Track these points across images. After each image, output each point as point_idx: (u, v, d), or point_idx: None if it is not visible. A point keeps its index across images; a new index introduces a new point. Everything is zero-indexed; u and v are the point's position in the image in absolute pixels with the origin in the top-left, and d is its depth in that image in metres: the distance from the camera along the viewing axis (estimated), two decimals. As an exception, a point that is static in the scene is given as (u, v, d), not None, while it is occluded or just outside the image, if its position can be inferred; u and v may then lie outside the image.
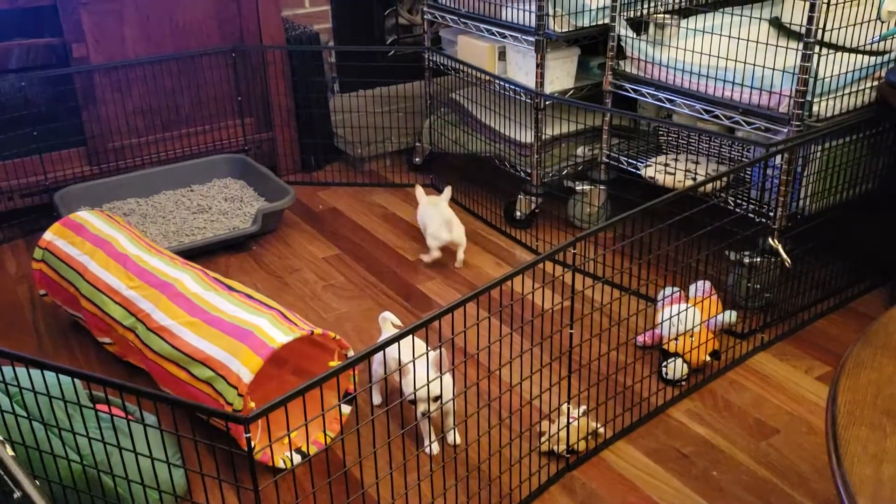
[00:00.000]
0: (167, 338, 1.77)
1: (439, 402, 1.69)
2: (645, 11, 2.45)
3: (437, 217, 2.52)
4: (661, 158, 2.50)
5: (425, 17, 2.98)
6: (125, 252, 2.01)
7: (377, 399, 1.94)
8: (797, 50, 2.00)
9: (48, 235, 2.15)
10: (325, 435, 1.80)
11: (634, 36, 2.41)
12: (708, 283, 2.11)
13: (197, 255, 2.60)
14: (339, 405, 1.81)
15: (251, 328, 1.69)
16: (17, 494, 1.10)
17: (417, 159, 3.21)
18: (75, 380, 1.54)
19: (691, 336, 1.99)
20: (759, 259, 2.18)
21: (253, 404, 1.70)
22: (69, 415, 1.52)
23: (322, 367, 1.81)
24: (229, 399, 1.62)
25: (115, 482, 1.50)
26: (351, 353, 1.77)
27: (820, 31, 1.94)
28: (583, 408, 1.84)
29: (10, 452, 1.15)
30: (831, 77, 2.03)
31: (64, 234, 2.13)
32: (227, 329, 1.70)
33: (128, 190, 2.89)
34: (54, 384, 1.55)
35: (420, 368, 1.61)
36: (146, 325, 1.82)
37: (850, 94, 2.09)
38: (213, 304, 1.78)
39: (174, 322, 1.77)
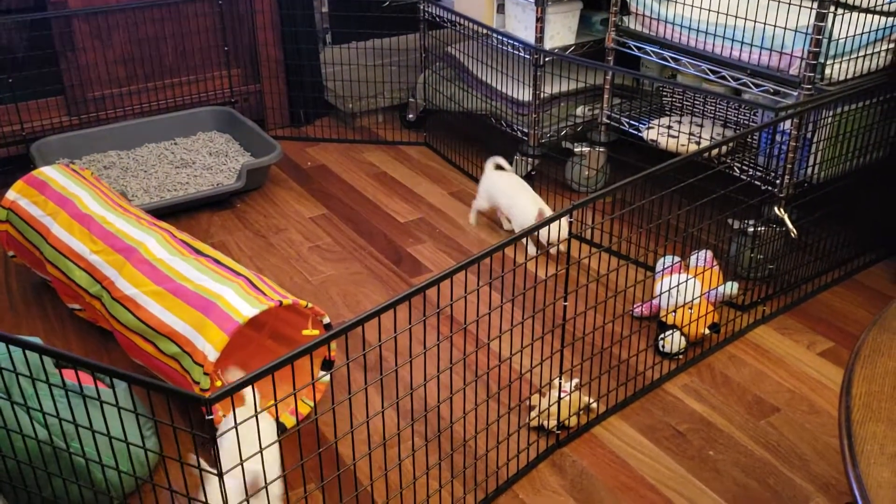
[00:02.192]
0: (132, 308, 1.68)
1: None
2: (652, -36, 2.33)
3: (523, 193, 2.34)
4: (665, 120, 2.40)
5: (421, -35, 2.84)
6: (89, 212, 1.91)
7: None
8: (811, 8, 1.89)
9: (11, 194, 2.04)
10: (302, 402, 1.73)
11: (640, -10, 2.29)
12: (709, 253, 2.02)
13: (179, 211, 2.50)
14: (313, 379, 1.73)
15: (216, 299, 1.59)
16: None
17: (411, 116, 3.10)
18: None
19: (690, 308, 1.91)
20: (763, 228, 2.09)
21: (220, 382, 1.62)
22: (33, 380, 1.43)
23: (298, 331, 1.73)
24: (195, 377, 1.54)
25: (86, 455, 1.42)
26: (326, 320, 1.68)
27: (837, -11, 1.83)
28: (575, 381, 1.76)
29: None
30: (846, 38, 1.92)
31: (27, 193, 2.02)
32: (192, 300, 1.61)
33: (108, 142, 2.78)
34: (17, 350, 1.47)
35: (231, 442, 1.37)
36: (111, 294, 1.73)
37: (864, 56, 1.99)
38: (179, 272, 1.69)
39: (138, 291, 1.68)
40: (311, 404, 1.74)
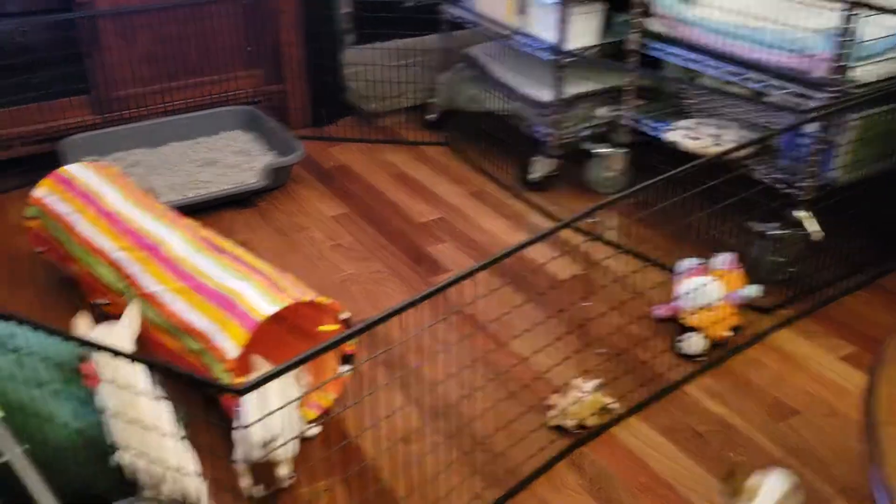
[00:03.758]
0: (155, 305, 1.70)
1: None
2: (675, -34, 2.32)
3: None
4: (686, 123, 2.40)
5: (444, -33, 2.85)
6: (114, 209, 1.93)
7: None
8: (838, 10, 1.88)
9: (38, 191, 2.06)
10: (324, 396, 1.74)
11: (663, -8, 2.29)
12: (731, 256, 2.02)
13: (202, 209, 2.52)
14: (335, 374, 1.75)
15: (235, 297, 1.61)
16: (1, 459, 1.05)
17: (432, 116, 3.11)
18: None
19: (711, 310, 1.90)
20: (785, 231, 2.08)
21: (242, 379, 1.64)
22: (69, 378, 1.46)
23: (315, 326, 1.75)
24: (217, 373, 1.55)
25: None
26: (344, 315, 1.69)
27: (863, -9, 1.82)
28: (594, 382, 1.77)
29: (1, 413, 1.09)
30: (873, 40, 1.91)
31: (55, 190, 2.05)
32: (213, 297, 1.63)
33: (133, 140, 2.81)
34: (49, 344, 1.49)
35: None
36: (135, 291, 1.76)
37: (892, 58, 1.98)
38: (200, 269, 1.71)
39: (162, 288, 1.70)
40: (333, 397, 1.76)
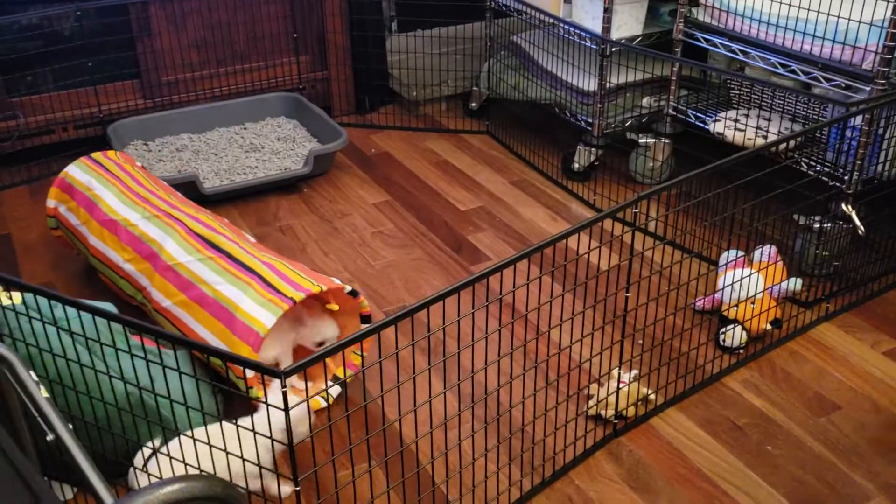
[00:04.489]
0: (172, 320, 1.76)
1: None
2: (723, -45, 2.30)
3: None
4: (731, 113, 2.38)
5: (489, -45, 2.85)
6: (114, 216, 1.95)
7: None
8: (887, 1, 1.85)
9: (51, 202, 2.10)
10: (353, 353, 1.80)
11: (710, -19, 2.27)
12: (773, 249, 2.00)
13: (248, 195, 2.57)
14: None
15: (234, 310, 1.64)
16: (50, 437, 1.08)
17: (474, 104, 3.12)
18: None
19: (752, 303, 1.90)
20: (829, 225, 2.06)
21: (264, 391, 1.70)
22: (113, 342, 1.51)
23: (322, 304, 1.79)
24: (242, 388, 1.63)
25: (158, 403, 1.50)
26: (348, 289, 1.72)
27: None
28: (634, 372, 1.77)
29: (45, 394, 1.13)
30: (924, 32, 1.88)
31: (62, 199, 2.09)
32: (215, 310, 1.68)
33: (181, 125, 2.86)
34: (97, 321, 1.55)
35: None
36: (151, 305, 1.82)
37: (943, 51, 1.94)
38: (199, 275, 1.74)
39: (171, 303, 1.76)
40: (363, 355, 1.81)
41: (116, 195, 2.01)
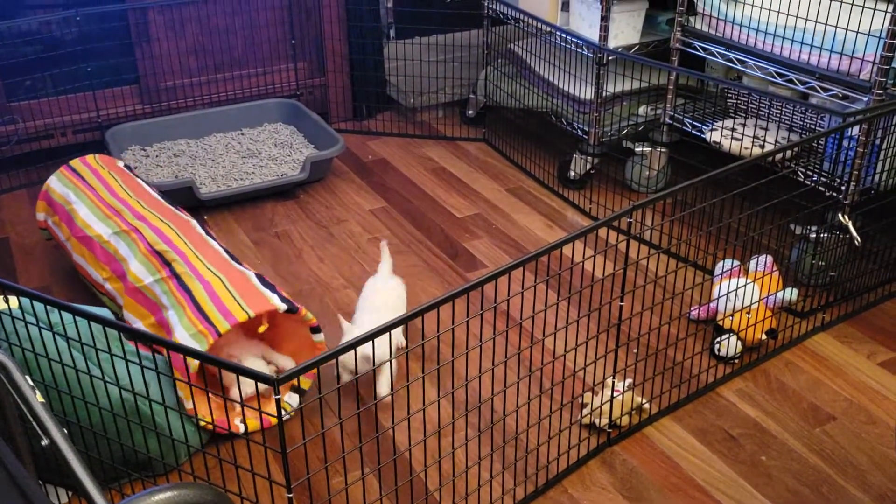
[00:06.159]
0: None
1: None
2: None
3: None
4: (728, 123, 2.38)
5: (487, -37, 2.86)
6: (89, 232, 1.94)
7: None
8: (886, 11, 1.85)
9: (40, 215, 2.11)
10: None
11: (707, -9, 2.27)
12: (769, 258, 2.00)
13: (244, 200, 2.57)
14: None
15: (171, 335, 1.66)
16: (44, 441, 1.08)
17: (470, 112, 3.12)
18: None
19: (748, 313, 1.90)
20: (825, 235, 2.06)
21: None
22: (108, 347, 1.51)
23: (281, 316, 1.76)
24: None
25: (153, 409, 1.50)
26: (284, 307, 1.66)
27: (912, -7, 1.80)
28: (628, 381, 1.77)
29: (41, 399, 1.13)
30: (921, 44, 1.88)
31: (48, 212, 2.09)
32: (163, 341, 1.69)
33: (178, 130, 2.86)
34: (93, 326, 1.54)
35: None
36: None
37: (939, 62, 1.95)
38: (159, 299, 1.76)
39: (142, 325, 1.77)
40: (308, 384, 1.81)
41: (90, 208, 2.00)
